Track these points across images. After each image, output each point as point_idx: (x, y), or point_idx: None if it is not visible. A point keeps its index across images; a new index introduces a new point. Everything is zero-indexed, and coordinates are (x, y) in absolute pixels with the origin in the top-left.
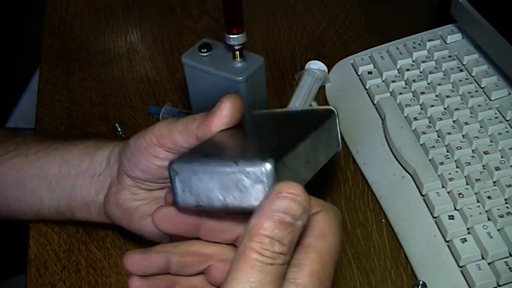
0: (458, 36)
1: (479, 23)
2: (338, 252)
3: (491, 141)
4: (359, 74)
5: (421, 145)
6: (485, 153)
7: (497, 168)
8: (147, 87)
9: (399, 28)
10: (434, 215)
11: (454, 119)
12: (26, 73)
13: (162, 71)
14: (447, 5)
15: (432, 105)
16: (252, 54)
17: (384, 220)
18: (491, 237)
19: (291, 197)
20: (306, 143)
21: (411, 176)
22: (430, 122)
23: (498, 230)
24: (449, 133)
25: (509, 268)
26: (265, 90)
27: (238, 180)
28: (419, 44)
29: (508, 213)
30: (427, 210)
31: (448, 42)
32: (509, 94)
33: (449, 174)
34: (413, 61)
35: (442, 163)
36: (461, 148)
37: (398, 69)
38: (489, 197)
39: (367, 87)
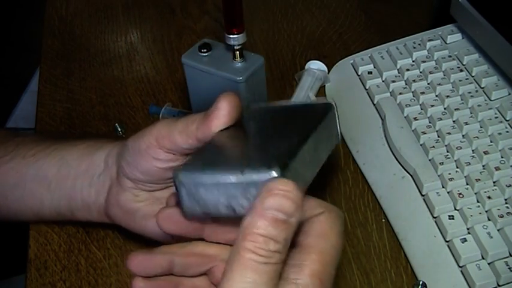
0: (458, 36)
1: (479, 23)
2: (340, 253)
3: (491, 141)
4: (359, 74)
5: (421, 145)
6: (485, 153)
7: (497, 168)
8: (147, 87)
9: (399, 28)
10: (434, 215)
11: (454, 119)
12: (26, 73)
13: (162, 71)
14: (447, 5)
15: (432, 105)
16: (252, 54)
17: (384, 220)
18: (491, 237)
19: (283, 193)
20: (308, 144)
21: (411, 176)
22: (430, 122)
23: (498, 230)
24: (449, 133)
25: (509, 268)
26: (265, 90)
27: (245, 189)
28: (419, 44)
29: (508, 213)
30: (427, 210)
31: (448, 42)
32: (509, 94)
33: (449, 174)
34: (413, 61)
35: (442, 163)
36: (461, 148)
37: (398, 69)
38: (489, 197)
39: (367, 87)
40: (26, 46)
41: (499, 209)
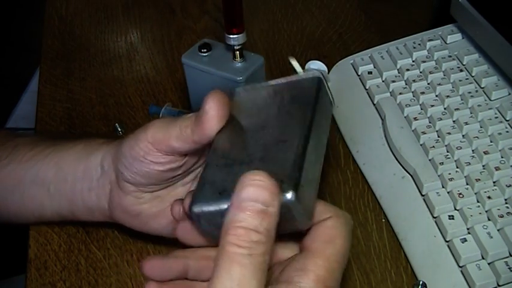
0: (458, 36)
1: (479, 23)
2: (346, 259)
3: (491, 141)
4: (359, 74)
5: (421, 145)
6: (485, 153)
7: (497, 168)
8: (147, 87)
9: (399, 28)
10: (434, 215)
11: (454, 119)
12: (26, 73)
13: (162, 71)
14: (447, 5)
15: (432, 105)
16: (252, 54)
17: (384, 220)
18: (491, 237)
19: (255, 183)
20: (311, 142)
21: (411, 176)
22: (430, 122)
23: (498, 230)
24: (449, 133)
25: (509, 268)
26: None
27: None
28: (419, 44)
29: (508, 213)
30: (427, 210)
31: (448, 42)
32: (509, 94)
33: (449, 174)
34: (413, 61)
35: (442, 163)
36: (461, 148)
37: (398, 69)
38: (489, 197)
39: (367, 87)
40: (26, 46)
41: (499, 209)
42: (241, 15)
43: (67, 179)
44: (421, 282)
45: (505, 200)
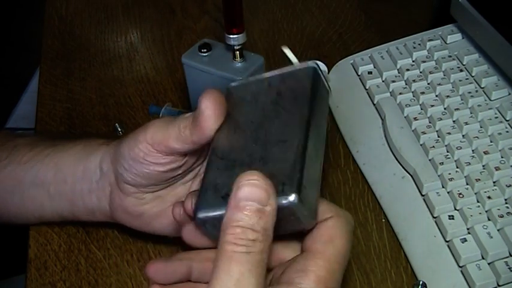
0: (458, 36)
1: (479, 23)
2: (347, 260)
3: (491, 141)
4: (359, 74)
5: (421, 145)
6: (485, 153)
7: (497, 168)
8: (147, 87)
9: (399, 28)
10: (434, 215)
11: (454, 119)
12: (26, 73)
13: (162, 71)
14: (447, 5)
15: (432, 105)
16: (252, 54)
17: (384, 220)
18: (491, 237)
19: (251, 183)
20: (310, 141)
21: (411, 176)
22: (430, 122)
23: (498, 230)
24: (449, 133)
25: (509, 268)
26: None
27: None
28: (419, 44)
29: (508, 213)
30: (427, 210)
31: (448, 42)
32: (509, 94)
33: (449, 174)
34: (413, 61)
35: (442, 163)
36: (461, 148)
37: (398, 69)
38: (489, 197)
39: (367, 87)
40: (26, 46)
41: (499, 209)
42: (241, 15)
43: (67, 180)
44: (421, 282)
45: (505, 200)
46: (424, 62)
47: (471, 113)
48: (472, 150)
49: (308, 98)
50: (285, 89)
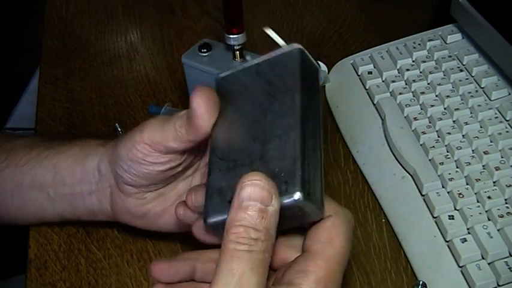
0: (458, 36)
1: (479, 23)
2: (347, 259)
3: (491, 141)
4: (359, 74)
5: (421, 145)
6: (485, 153)
7: (497, 168)
8: (147, 87)
9: (399, 28)
10: (434, 215)
11: (454, 119)
12: (26, 73)
13: (162, 71)
14: (447, 5)
15: (432, 105)
16: (252, 54)
17: (384, 220)
18: (491, 237)
19: (252, 183)
20: (307, 131)
21: (411, 176)
22: (430, 122)
23: (498, 230)
24: (449, 133)
25: (509, 268)
26: None
27: None
28: (419, 44)
29: (508, 213)
30: (427, 210)
31: (448, 42)
32: (509, 94)
33: (449, 174)
34: (413, 61)
35: (442, 163)
36: (461, 148)
37: (398, 69)
38: (489, 197)
39: (367, 87)
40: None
41: (499, 209)
42: (241, 15)
43: (66, 183)
44: (421, 282)
45: (505, 200)
46: (424, 62)
47: (471, 113)
48: (472, 150)
49: (298, 84)
50: (274, 77)
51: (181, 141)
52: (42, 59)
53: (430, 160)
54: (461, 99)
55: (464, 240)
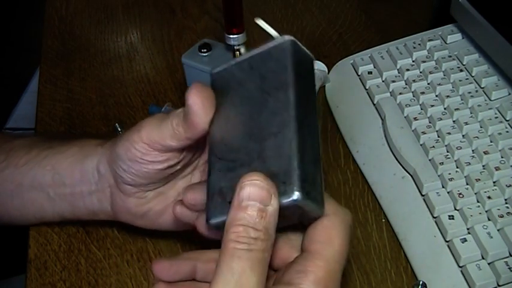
0: (458, 36)
1: (479, 23)
2: (346, 258)
3: (491, 141)
4: (359, 74)
5: (421, 145)
6: (485, 153)
7: (497, 168)
8: (147, 87)
9: (399, 28)
10: (434, 215)
11: (454, 119)
12: (26, 73)
13: (162, 71)
14: (447, 5)
15: (432, 105)
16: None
17: (384, 220)
18: (491, 237)
19: (252, 183)
20: (303, 127)
21: (411, 176)
22: (430, 122)
23: (498, 230)
24: (449, 133)
25: (509, 268)
26: None
27: None
28: (419, 44)
29: (508, 213)
30: (427, 210)
31: (448, 42)
32: (509, 94)
33: (449, 174)
34: (413, 61)
35: (442, 163)
36: (461, 148)
37: (398, 69)
38: (489, 197)
39: (367, 87)
40: (26, 46)
41: (499, 209)
42: (241, 15)
43: (65, 183)
44: (421, 282)
45: (505, 200)
46: (424, 62)
47: (471, 113)
48: (472, 150)
49: (291, 79)
50: (266, 72)
51: (179, 139)
52: (42, 59)
53: (430, 160)
54: (461, 99)
55: (464, 240)
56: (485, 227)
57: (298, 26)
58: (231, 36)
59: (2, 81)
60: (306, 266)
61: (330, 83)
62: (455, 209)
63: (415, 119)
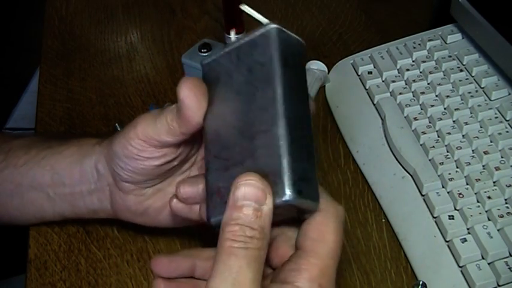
0: (458, 36)
1: (479, 23)
2: (339, 253)
3: (491, 141)
4: (359, 74)
5: (421, 145)
6: (485, 153)
7: (497, 168)
8: (147, 87)
9: (399, 28)
10: (434, 215)
11: (454, 119)
12: (26, 73)
13: (162, 71)
14: (447, 5)
15: (432, 105)
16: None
17: (384, 220)
18: (491, 237)
19: (246, 182)
20: (291, 121)
21: (411, 176)
22: (430, 122)
23: (498, 230)
24: (449, 133)
25: (509, 268)
26: None
27: None
28: (419, 44)
29: (508, 213)
30: (427, 210)
31: (448, 42)
32: (509, 94)
33: (449, 174)
34: (413, 61)
35: (442, 163)
36: (461, 148)
37: (398, 69)
38: (489, 197)
39: (367, 87)
40: (26, 46)
41: (499, 209)
42: (241, 15)
43: (65, 183)
44: (421, 282)
45: (505, 200)
46: (424, 62)
47: (471, 113)
48: (472, 150)
49: (277, 71)
50: (254, 63)
51: (174, 134)
52: (42, 59)
53: (430, 160)
54: (461, 99)
55: (464, 240)
56: (485, 227)
57: (298, 26)
58: (231, 36)
59: (2, 81)
60: (300, 264)
61: (330, 83)
62: (455, 209)
63: (415, 119)
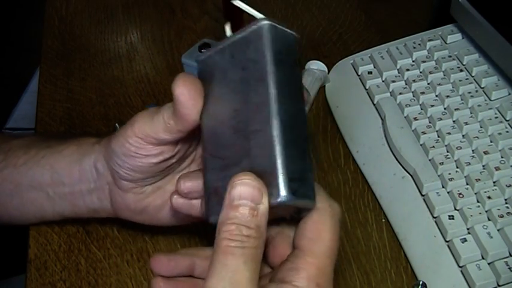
0: (458, 36)
1: (479, 23)
2: (336, 252)
3: (491, 141)
4: (359, 74)
5: (421, 145)
6: (485, 153)
7: (497, 168)
8: (147, 87)
9: (399, 28)
10: (434, 215)
11: (454, 119)
12: (26, 73)
13: (162, 71)
14: (447, 5)
15: (432, 105)
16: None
17: (384, 220)
18: (491, 237)
19: (242, 182)
20: (285, 120)
21: (411, 176)
22: (430, 122)
23: (498, 230)
24: (449, 133)
25: (509, 268)
26: None
27: None
28: (419, 44)
29: (508, 213)
30: (427, 210)
31: (448, 42)
32: (509, 94)
33: (449, 174)
34: (413, 61)
35: (442, 163)
36: (461, 148)
37: (398, 69)
38: (489, 197)
39: (367, 87)
40: (26, 46)
41: (499, 209)
42: (241, 15)
43: (64, 182)
44: (421, 282)
45: (505, 200)
46: (424, 62)
47: (471, 113)
48: (472, 150)
49: (270, 69)
50: (247, 61)
51: (171, 132)
52: (42, 59)
53: (430, 160)
54: (461, 99)
55: (464, 240)
56: (485, 227)
57: (298, 26)
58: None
59: (2, 81)
60: (297, 264)
61: (329, 83)
62: (455, 209)
63: (415, 119)
